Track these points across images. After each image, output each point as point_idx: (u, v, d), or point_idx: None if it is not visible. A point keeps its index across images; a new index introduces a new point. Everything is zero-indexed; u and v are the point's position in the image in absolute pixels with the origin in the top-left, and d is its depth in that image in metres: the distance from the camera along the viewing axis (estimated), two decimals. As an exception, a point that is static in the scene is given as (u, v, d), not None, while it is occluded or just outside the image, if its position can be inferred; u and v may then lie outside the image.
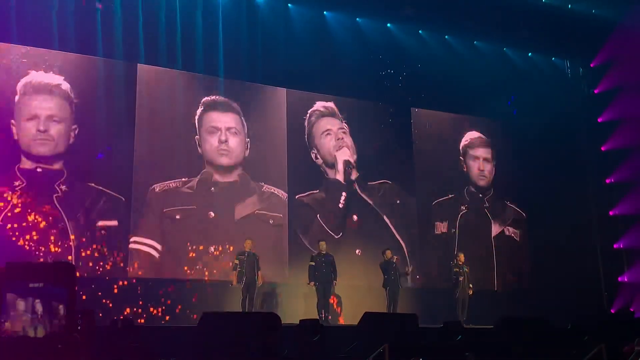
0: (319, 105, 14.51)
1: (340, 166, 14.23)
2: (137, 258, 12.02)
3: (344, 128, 14.55)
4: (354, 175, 14.40)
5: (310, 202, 13.84)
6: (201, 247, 12.54)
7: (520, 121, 16.55)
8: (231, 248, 12.54)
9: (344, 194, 14.16)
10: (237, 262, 11.56)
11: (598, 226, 16.46)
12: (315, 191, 13.93)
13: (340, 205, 14.08)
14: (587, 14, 15.60)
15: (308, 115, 14.34)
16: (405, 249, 14.41)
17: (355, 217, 14.21)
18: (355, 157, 14.44)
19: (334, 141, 14.34)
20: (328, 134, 14.38)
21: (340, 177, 14.22)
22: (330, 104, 14.60)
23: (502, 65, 16.45)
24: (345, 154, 14.35)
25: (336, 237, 13.71)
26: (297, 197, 13.66)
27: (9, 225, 11.07)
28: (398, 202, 14.72)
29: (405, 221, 14.67)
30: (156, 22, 12.90)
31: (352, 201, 14.27)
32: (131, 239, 12.02)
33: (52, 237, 11.36)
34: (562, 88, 17.06)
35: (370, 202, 14.43)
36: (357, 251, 13.96)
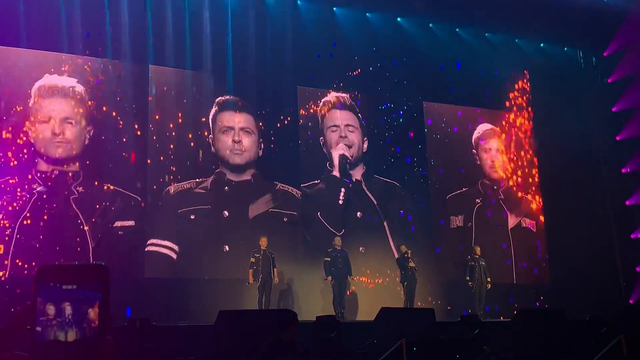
0: (332, 95, 14.48)
1: (335, 162, 14.09)
2: (155, 260, 12.10)
3: (352, 125, 14.49)
4: (360, 171, 14.31)
5: (312, 193, 13.76)
6: (216, 246, 12.59)
7: (534, 112, 16.44)
8: (246, 246, 12.56)
9: (342, 189, 14.01)
10: (252, 260, 11.61)
11: (614, 216, 16.34)
12: (316, 181, 13.88)
13: (340, 202, 13.96)
14: (598, 3, 15.42)
15: (321, 103, 14.33)
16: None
17: (359, 214, 14.13)
18: (353, 151, 14.26)
19: (337, 137, 14.28)
20: (334, 130, 14.34)
21: (336, 172, 14.06)
22: (346, 95, 14.56)
23: (514, 57, 16.36)
24: (341, 149, 14.17)
25: (338, 234, 13.26)
26: (301, 186, 13.64)
27: (27, 227, 11.18)
28: (402, 211, 14.46)
29: (404, 237, 13.92)
30: (164, 22, 12.95)
31: (356, 197, 14.14)
32: (149, 242, 12.11)
33: (69, 238, 11.48)
34: (575, 78, 16.94)
35: (374, 201, 14.27)
36: (360, 248, 13.69)
